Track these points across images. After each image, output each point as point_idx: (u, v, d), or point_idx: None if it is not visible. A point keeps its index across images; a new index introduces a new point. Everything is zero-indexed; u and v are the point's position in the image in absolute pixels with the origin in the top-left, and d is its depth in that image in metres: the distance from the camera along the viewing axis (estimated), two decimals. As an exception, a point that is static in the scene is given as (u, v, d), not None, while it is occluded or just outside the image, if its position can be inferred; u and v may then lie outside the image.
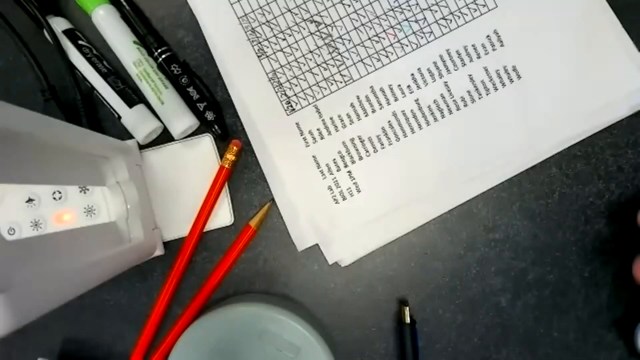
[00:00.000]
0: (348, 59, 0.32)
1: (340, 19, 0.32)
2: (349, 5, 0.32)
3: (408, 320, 0.31)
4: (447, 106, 0.32)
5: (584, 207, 0.32)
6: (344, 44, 0.32)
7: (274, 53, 0.32)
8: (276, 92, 0.32)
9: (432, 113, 0.32)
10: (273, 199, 0.33)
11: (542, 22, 0.32)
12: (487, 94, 0.32)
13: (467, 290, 0.33)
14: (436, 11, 0.32)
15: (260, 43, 0.32)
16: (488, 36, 0.32)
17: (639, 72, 0.31)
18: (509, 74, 0.32)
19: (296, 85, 0.32)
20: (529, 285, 0.32)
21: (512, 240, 0.33)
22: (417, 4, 0.32)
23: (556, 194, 0.33)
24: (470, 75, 0.32)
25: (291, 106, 0.32)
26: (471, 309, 0.33)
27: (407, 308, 0.31)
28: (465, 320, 0.33)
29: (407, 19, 0.32)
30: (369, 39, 0.32)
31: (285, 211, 0.32)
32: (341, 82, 0.32)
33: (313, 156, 0.32)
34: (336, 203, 0.32)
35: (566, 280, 0.32)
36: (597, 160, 0.32)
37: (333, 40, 0.32)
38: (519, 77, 0.32)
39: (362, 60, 0.32)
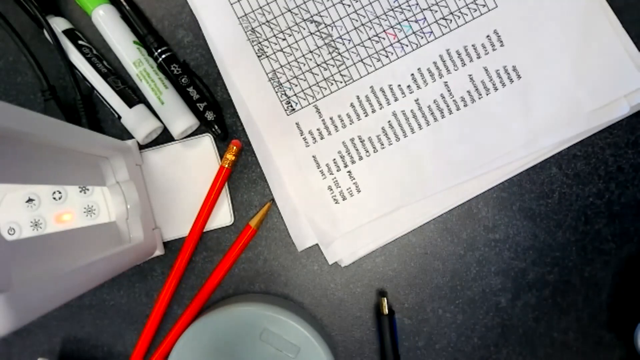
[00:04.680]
0: (348, 59, 0.32)
1: (340, 19, 0.32)
2: (349, 5, 0.32)
3: (386, 311, 0.31)
4: (447, 106, 0.32)
5: (584, 207, 0.32)
6: (344, 44, 0.32)
7: (274, 53, 0.32)
8: (276, 92, 0.32)
9: (432, 113, 0.32)
10: (273, 199, 0.33)
11: (542, 22, 0.32)
12: (487, 94, 0.32)
13: (467, 290, 0.33)
14: (436, 11, 0.32)
15: (260, 43, 0.32)
16: (488, 36, 0.32)
17: (639, 72, 0.31)
18: (509, 74, 0.32)
19: (296, 85, 0.32)
20: (529, 285, 0.32)
21: (512, 240, 0.33)
22: (417, 4, 0.32)
23: (556, 194, 0.33)
24: (470, 75, 0.32)
25: (291, 106, 0.32)
26: (471, 309, 0.33)
27: (385, 299, 0.32)
28: (465, 320, 0.33)
29: (407, 19, 0.32)
30: (369, 39, 0.32)
31: (285, 211, 0.32)
32: (341, 82, 0.32)
33: (313, 156, 0.32)
34: (336, 203, 0.32)
35: (566, 280, 0.32)
36: (597, 160, 0.32)
37: (333, 40, 0.32)
38: (519, 77, 0.32)
39: (362, 60, 0.32)
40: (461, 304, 0.33)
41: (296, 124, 0.32)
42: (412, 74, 0.32)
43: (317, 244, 0.32)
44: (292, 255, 0.33)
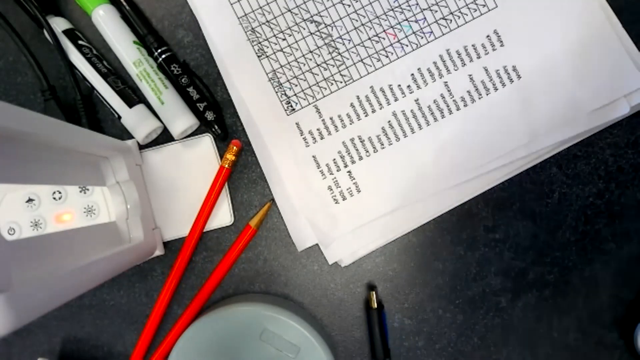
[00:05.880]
0: (348, 59, 0.32)
1: (340, 19, 0.32)
2: (349, 5, 0.32)
3: (375, 305, 0.31)
4: (447, 106, 0.32)
5: (584, 207, 0.32)
6: (344, 44, 0.32)
7: (274, 53, 0.32)
8: (276, 92, 0.32)
9: (432, 113, 0.32)
10: (273, 199, 0.33)
11: (542, 22, 0.32)
12: (487, 94, 0.32)
13: (467, 290, 0.33)
14: (436, 11, 0.32)
15: (260, 43, 0.32)
16: (488, 36, 0.32)
17: (639, 72, 0.31)
18: (509, 74, 0.32)
19: (296, 85, 0.32)
20: (529, 285, 0.32)
21: (512, 240, 0.33)
22: (417, 4, 0.32)
23: (556, 194, 0.33)
24: (470, 75, 0.32)
25: (291, 106, 0.32)
26: (471, 309, 0.33)
27: (374, 293, 0.32)
28: (466, 320, 0.33)
29: (407, 19, 0.32)
30: (369, 39, 0.32)
31: (285, 211, 0.32)
32: (341, 82, 0.32)
33: (313, 156, 0.32)
34: (336, 203, 0.32)
35: (566, 280, 0.32)
36: (597, 160, 0.32)
37: (333, 40, 0.32)
38: (519, 77, 0.32)
39: (362, 60, 0.32)
40: (461, 304, 0.33)
41: (296, 124, 0.32)
42: (412, 74, 0.32)
43: (317, 244, 0.32)
44: (292, 255, 0.33)
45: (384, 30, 0.32)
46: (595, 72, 0.31)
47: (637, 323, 0.31)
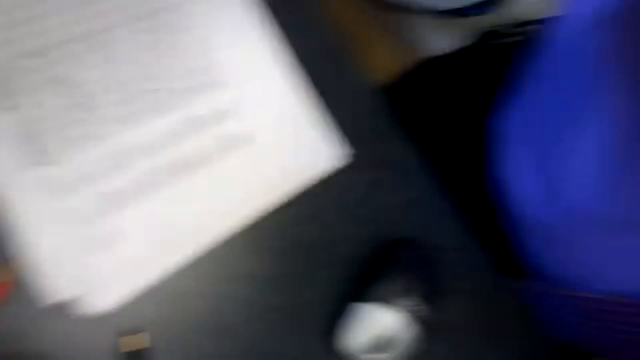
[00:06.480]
0: (104, 116, 0.34)
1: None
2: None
3: (132, 349, 0.31)
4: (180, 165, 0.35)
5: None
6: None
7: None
8: (21, 145, 0.32)
9: (175, 168, 0.34)
10: (21, 251, 0.31)
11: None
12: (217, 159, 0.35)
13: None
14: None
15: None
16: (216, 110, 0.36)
17: (328, 150, 0.36)
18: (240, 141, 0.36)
19: (44, 138, 0.32)
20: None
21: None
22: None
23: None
24: (200, 142, 0.35)
25: (39, 158, 0.32)
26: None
27: (135, 337, 0.31)
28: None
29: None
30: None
31: (35, 264, 0.31)
32: (91, 137, 0.33)
33: (62, 208, 0.32)
34: (93, 254, 0.32)
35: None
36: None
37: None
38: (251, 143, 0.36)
39: (115, 116, 0.34)
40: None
41: (44, 176, 0.32)
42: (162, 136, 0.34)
43: (72, 297, 0.31)
44: (46, 309, 0.31)
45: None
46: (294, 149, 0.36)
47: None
